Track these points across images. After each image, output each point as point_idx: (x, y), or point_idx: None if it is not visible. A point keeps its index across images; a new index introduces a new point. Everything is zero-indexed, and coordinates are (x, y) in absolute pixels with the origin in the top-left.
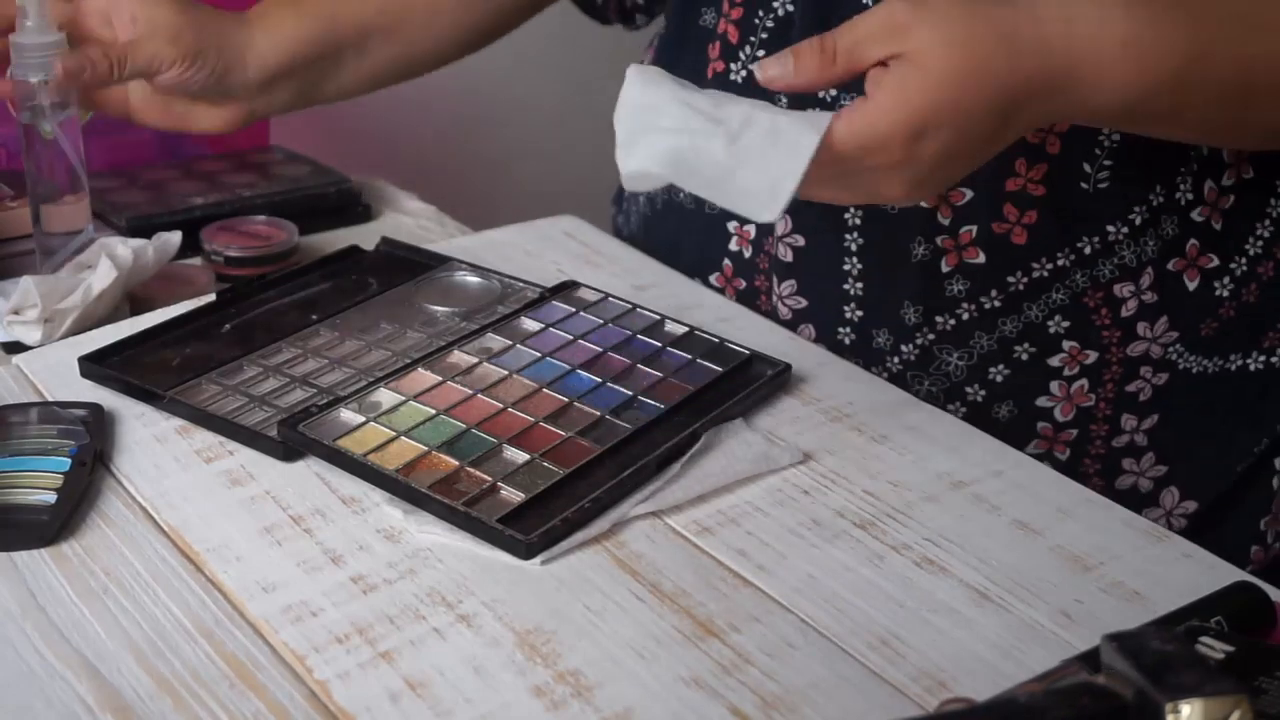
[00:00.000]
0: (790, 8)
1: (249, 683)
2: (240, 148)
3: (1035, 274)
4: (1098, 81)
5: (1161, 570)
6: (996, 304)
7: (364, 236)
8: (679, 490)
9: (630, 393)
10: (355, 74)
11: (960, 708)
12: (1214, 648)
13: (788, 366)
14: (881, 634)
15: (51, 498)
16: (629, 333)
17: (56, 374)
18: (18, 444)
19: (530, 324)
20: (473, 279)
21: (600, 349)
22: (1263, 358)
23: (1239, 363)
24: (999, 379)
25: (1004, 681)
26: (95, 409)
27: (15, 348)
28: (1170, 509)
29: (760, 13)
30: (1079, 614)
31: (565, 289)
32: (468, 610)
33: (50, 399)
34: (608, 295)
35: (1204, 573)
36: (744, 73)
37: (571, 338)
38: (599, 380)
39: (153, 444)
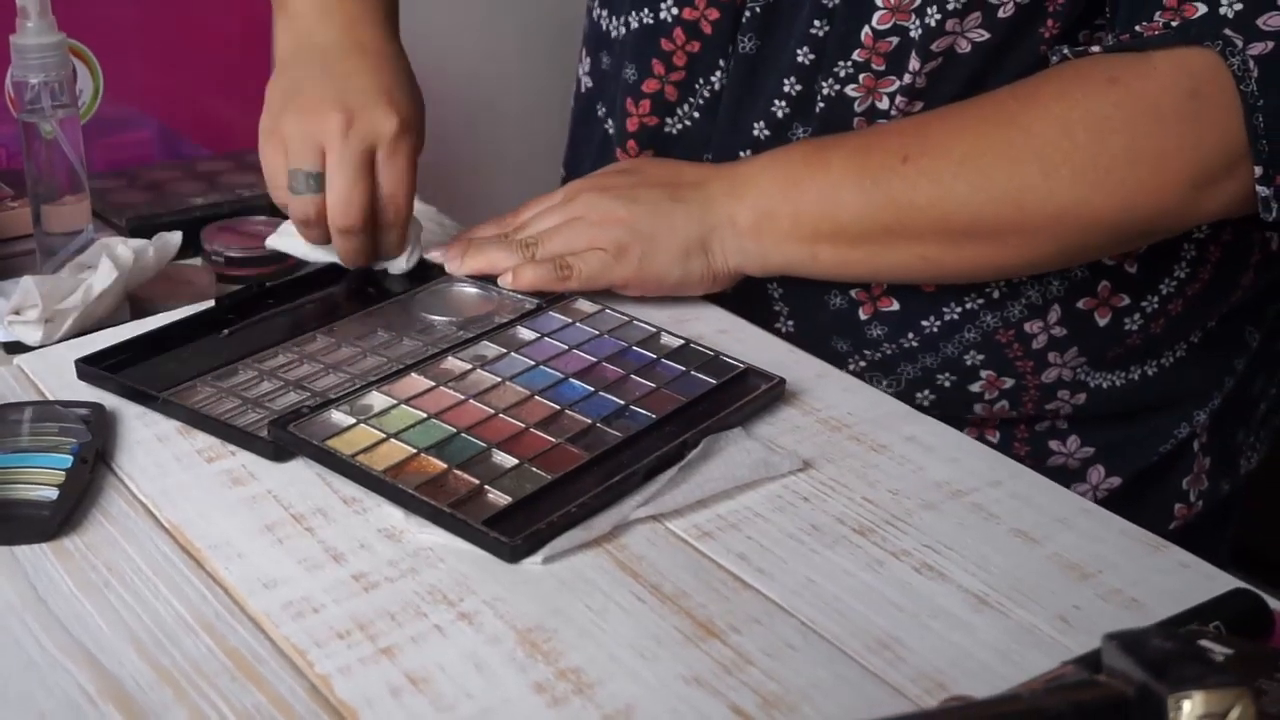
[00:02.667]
0: (725, 81)
1: (250, 675)
2: (240, 148)
3: (947, 317)
4: (738, 187)
5: (1159, 578)
6: (914, 344)
7: None
8: (679, 495)
9: (622, 402)
10: None
11: (961, 704)
12: (1214, 650)
13: (782, 380)
14: (881, 637)
15: (53, 494)
16: (624, 344)
17: (57, 374)
18: (20, 441)
19: (526, 333)
20: (471, 289)
21: (594, 359)
22: (1155, 362)
23: (1139, 372)
24: (926, 402)
25: (1002, 684)
26: (97, 408)
27: (16, 348)
28: (1096, 484)
29: (700, 81)
30: (1077, 620)
31: (562, 300)
32: (469, 608)
33: (52, 398)
34: (605, 307)
35: (1201, 581)
36: (679, 126)
37: (566, 347)
38: (591, 389)
39: (154, 443)
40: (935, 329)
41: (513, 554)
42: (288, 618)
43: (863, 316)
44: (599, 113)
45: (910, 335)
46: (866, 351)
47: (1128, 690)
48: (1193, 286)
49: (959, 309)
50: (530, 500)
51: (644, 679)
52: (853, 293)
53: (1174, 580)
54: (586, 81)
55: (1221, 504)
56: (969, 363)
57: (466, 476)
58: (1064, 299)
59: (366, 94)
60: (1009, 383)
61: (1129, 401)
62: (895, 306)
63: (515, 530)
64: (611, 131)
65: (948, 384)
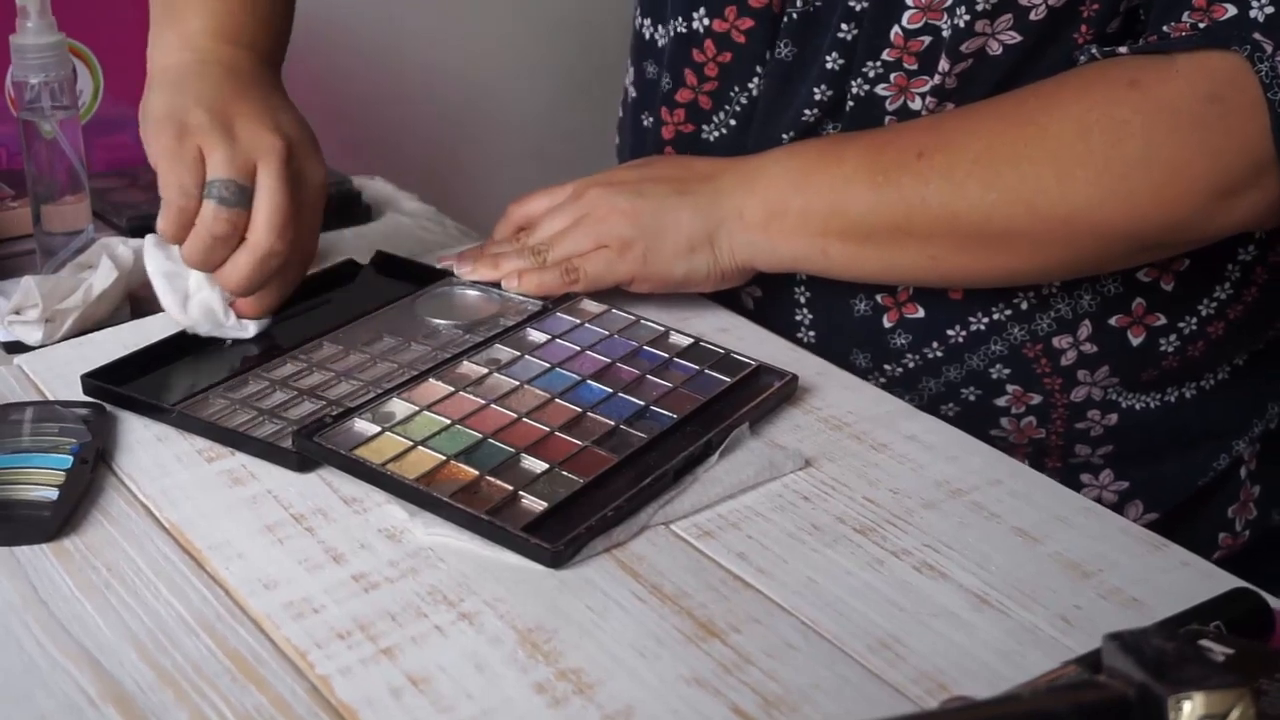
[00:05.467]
0: (762, 88)
1: (250, 677)
2: None
3: (973, 327)
4: (746, 182)
5: (1159, 577)
6: (939, 354)
7: (365, 237)
8: (689, 500)
9: (642, 403)
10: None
11: (962, 704)
12: (1214, 650)
13: (794, 376)
14: (882, 636)
15: (53, 494)
16: (635, 344)
17: (58, 374)
18: (20, 441)
19: (537, 335)
20: (472, 292)
21: (608, 360)
22: (1194, 384)
23: (1176, 394)
24: (950, 414)
25: (1002, 684)
26: (97, 408)
27: (17, 347)
28: (1135, 519)
29: (735, 88)
30: (1078, 619)
31: (568, 301)
32: (469, 609)
33: (52, 398)
34: (610, 308)
35: (1202, 580)
36: (715, 134)
37: (579, 349)
38: (610, 390)
39: (154, 443)
40: (960, 339)
41: (554, 559)
42: (288, 618)
43: (886, 324)
44: (645, 122)
45: (935, 345)
46: (887, 367)
47: (1128, 691)
48: (1235, 309)
49: (985, 319)
50: (564, 505)
51: (644, 679)
52: (878, 298)
53: (1175, 579)
54: (632, 91)
55: (1275, 533)
56: (994, 376)
57: (499, 483)
58: (1095, 314)
59: (301, 129)
60: (1036, 399)
61: (1164, 425)
62: (920, 314)
63: (554, 536)
64: (661, 139)
65: (972, 398)
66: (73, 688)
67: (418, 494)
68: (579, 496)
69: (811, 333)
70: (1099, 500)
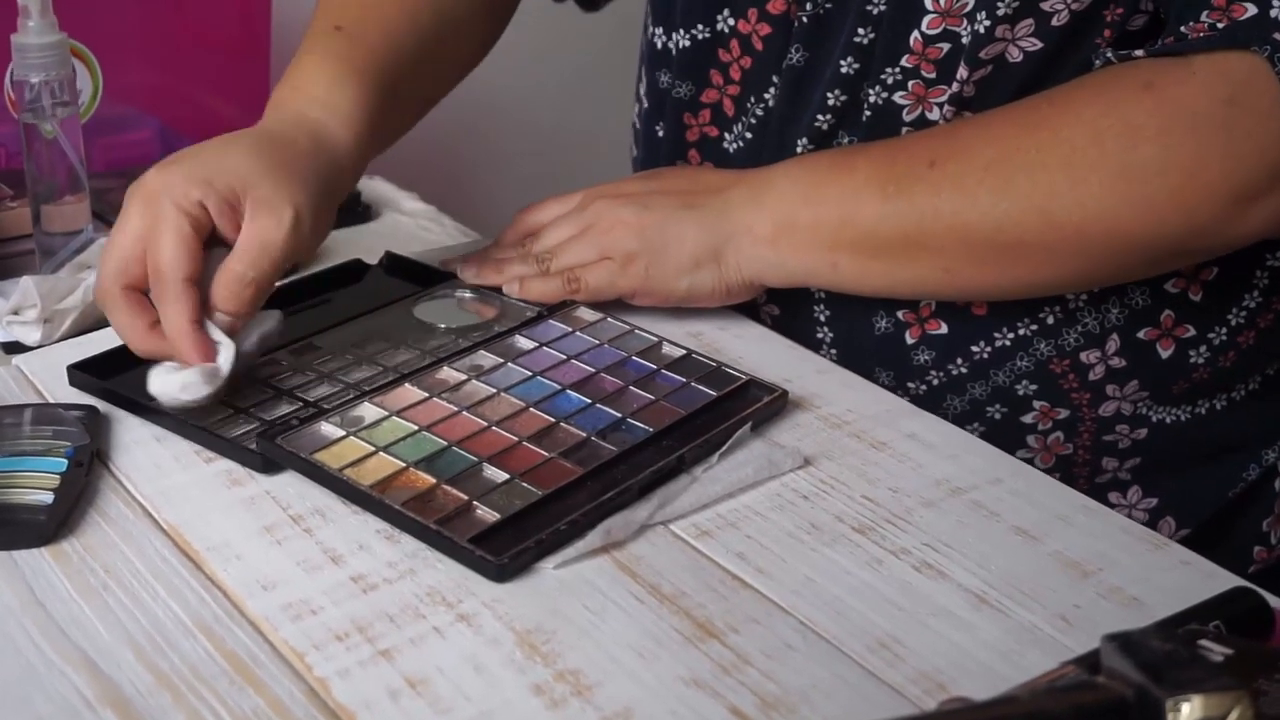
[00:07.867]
0: (778, 96)
1: (248, 679)
2: None
3: (998, 343)
4: (757, 193)
5: (1159, 576)
6: (963, 370)
7: (364, 237)
8: (689, 498)
9: (619, 415)
10: (402, 122)
11: (960, 705)
12: (1213, 650)
13: (784, 392)
14: (880, 636)
15: (49, 498)
16: (624, 354)
17: (56, 374)
18: (15, 444)
19: (524, 342)
20: (472, 296)
21: (593, 369)
22: (1224, 395)
23: (1206, 406)
24: (976, 434)
25: (1002, 684)
26: (93, 410)
27: (15, 348)
28: (1168, 536)
29: (752, 99)
30: (1077, 619)
31: (564, 308)
32: (467, 610)
33: (50, 399)
34: (606, 316)
35: (1202, 579)
36: (736, 145)
37: (565, 357)
38: (588, 401)
39: (152, 443)
40: (985, 355)
41: (500, 574)
42: (286, 620)
43: (909, 340)
44: (658, 132)
45: (959, 361)
46: (910, 385)
47: (1126, 693)
48: (1266, 317)
49: (1011, 335)
50: (519, 517)
51: (643, 680)
52: (900, 314)
53: (1175, 578)
54: (645, 101)
55: None
56: (1021, 393)
57: (455, 492)
58: (1123, 328)
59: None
60: (1063, 414)
61: (1193, 436)
62: (944, 330)
63: (502, 548)
64: (674, 147)
65: (998, 416)
66: (70, 690)
67: (369, 500)
68: (535, 509)
69: (833, 351)
70: (1130, 518)
